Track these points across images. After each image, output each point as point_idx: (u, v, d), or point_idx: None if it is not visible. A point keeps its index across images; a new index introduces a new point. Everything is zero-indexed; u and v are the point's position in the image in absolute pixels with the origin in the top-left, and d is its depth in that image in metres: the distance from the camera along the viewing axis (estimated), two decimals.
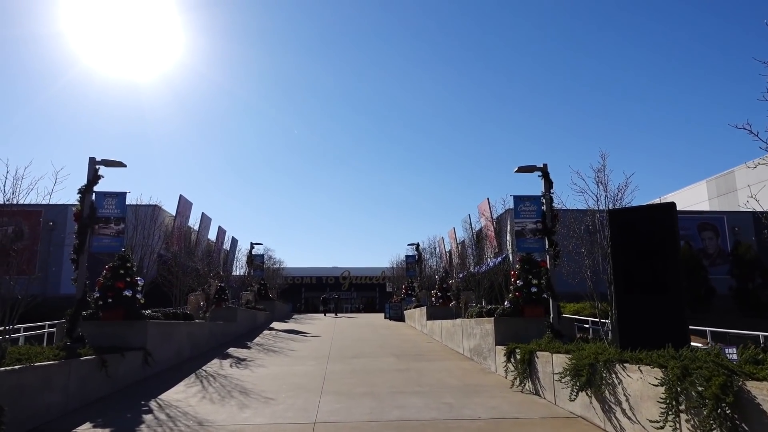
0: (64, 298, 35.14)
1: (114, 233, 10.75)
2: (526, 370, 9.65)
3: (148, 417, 7.73)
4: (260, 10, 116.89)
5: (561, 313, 11.35)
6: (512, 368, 10.40)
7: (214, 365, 13.08)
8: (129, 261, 11.90)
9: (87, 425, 7.28)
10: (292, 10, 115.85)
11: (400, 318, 31.59)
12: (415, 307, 27.64)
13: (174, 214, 38.76)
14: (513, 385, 9.85)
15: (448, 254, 42.12)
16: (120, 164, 11.06)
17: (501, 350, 11.36)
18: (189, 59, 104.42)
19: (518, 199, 11.56)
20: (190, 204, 41.62)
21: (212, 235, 42.81)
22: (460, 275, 21.64)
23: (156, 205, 39.21)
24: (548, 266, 11.26)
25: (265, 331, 23.30)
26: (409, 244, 32.76)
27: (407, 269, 34.12)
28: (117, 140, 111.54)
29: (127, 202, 15.67)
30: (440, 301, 21.88)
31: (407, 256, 34.43)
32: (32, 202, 10.99)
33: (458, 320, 16.28)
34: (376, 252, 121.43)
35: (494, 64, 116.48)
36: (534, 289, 12.10)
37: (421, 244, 31.89)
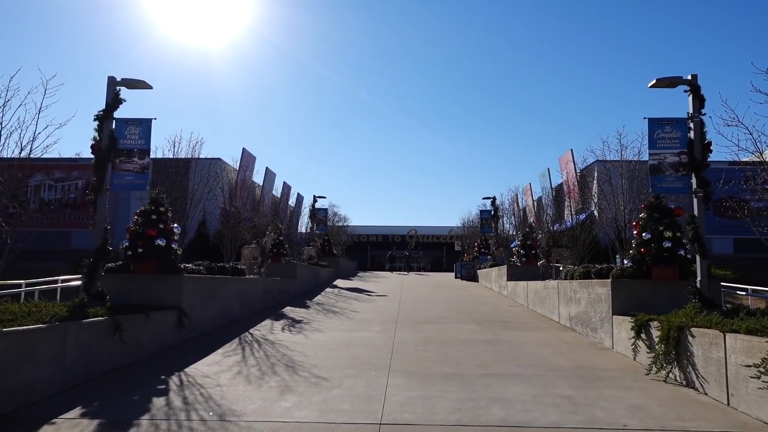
0: None
1: (138, 168, 8.80)
2: (671, 353, 6.94)
3: (159, 401, 5.76)
4: None
5: (711, 276, 8.41)
6: (644, 347, 7.72)
7: (263, 328, 11.20)
8: (163, 204, 10.03)
9: (76, 411, 5.39)
10: None
11: (473, 278, 29.08)
12: (491, 266, 24.99)
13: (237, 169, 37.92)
14: (650, 371, 7.17)
15: (521, 212, 38.79)
16: (144, 85, 9.01)
17: (622, 322, 8.66)
18: (256, 25, 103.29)
19: (655, 124, 8.52)
20: (254, 158, 40.43)
21: (277, 192, 41.76)
22: (564, 225, 18.66)
23: (219, 159, 38.56)
24: (696, 212, 8.27)
25: (328, 289, 21.54)
26: (484, 198, 29.92)
27: (481, 225, 31.35)
28: (188, 106, 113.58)
29: (185, 155, 14.04)
30: (523, 259, 19.10)
31: (482, 211, 31.60)
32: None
33: (552, 282, 13.55)
34: (443, 211, 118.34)
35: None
36: (667, 244, 9.18)
37: (502, 197, 28.83)
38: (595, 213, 22.28)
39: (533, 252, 18.80)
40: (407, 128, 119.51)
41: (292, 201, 45.36)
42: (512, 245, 35.36)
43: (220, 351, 8.60)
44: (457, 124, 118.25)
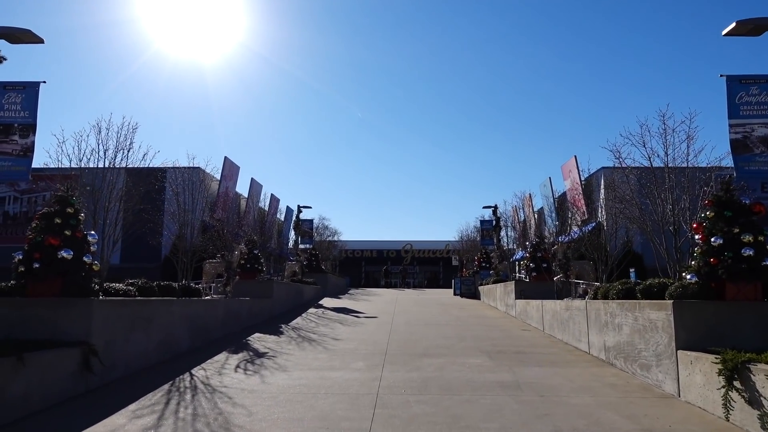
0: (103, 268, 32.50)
1: (19, 151, 6.36)
2: None
3: None
4: None
5: None
6: (742, 402, 5.27)
7: (213, 366, 8.67)
8: (71, 204, 7.58)
9: None
10: None
11: (474, 295, 26.58)
12: (495, 281, 22.51)
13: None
14: None
15: (521, 224, 36.37)
16: (32, 38, 6.57)
17: (695, 360, 6.21)
18: (250, 41, 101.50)
19: (736, 84, 6.23)
20: (237, 168, 37.85)
21: (265, 205, 39.27)
22: (567, 237, 16.22)
23: (198, 168, 36.13)
24: None
25: (311, 310, 18.99)
26: (484, 207, 27.50)
27: (482, 237, 28.92)
28: (183, 122, 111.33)
29: (113, 146, 11.53)
30: (533, 274, 16.66)
31: (482, 221, 29.20)
32: None
33: (577, 302, 11.10)
34: (439, 225, 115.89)
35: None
36: (747, 252, 6.78)
37: (499, 208, 26.39)
38: (603, 223, 19.82)
39: (545, 265, 16.36)
40: (402, 142, 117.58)
41: (280, 215, 42.99)
42: (514, 258, 32.97)
43: (131, 407, 6.06)
44: (452, 136, 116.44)
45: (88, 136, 9.88)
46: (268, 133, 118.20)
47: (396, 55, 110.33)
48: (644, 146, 8.71)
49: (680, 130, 8.61)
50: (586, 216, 27.52)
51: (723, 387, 5.45)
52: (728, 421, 5.41)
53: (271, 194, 38.86)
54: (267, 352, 9.95)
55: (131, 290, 8.52)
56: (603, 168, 37.04)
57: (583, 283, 14.22)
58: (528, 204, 33.71)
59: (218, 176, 34.96)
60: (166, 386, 7.09)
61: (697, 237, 7.45)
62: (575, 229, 24.35)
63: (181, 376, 7.73)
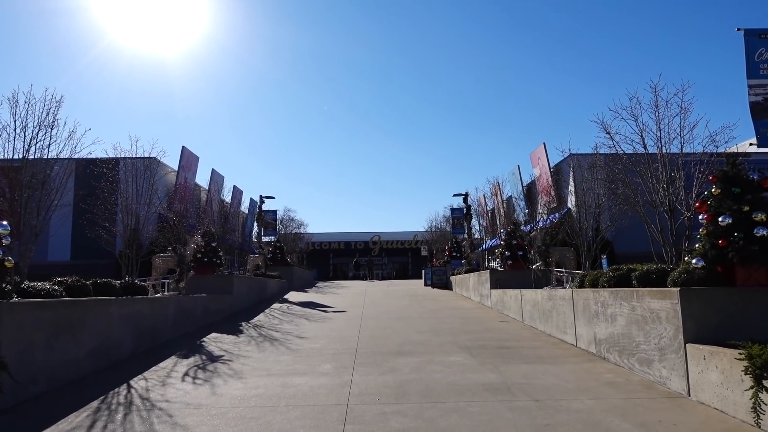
0: (52, 266, 30.29)
1: None
2: None
3: None
4: None
5: None
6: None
7: (157, 373, 7.53)
8: None
9: None
10: None
11: (446, 285, 25.83)
12: (467, 271, 21.78)
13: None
14: None
15: (489, 213, 35.84)
16: None
17: (710, 356, 5.46)
18: (214, 33, 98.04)
19: (755, 39, 5.60)
20: (196, 158, 36.17)
21: (228, 198, 37.58)
22: (545, 222, 15.46)
23: (154, 158, 34.31)
24: None
25: (275, 305, 17.83)
26: (455, 195, 26.75)
27: (453, 226, 28.16)
28: (144, 115, 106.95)
29: (34, 121, 10.06)
30: (509, 262, 15.90)
31: (452, 209, 28.47)
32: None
33: (561, 291, 10.34)
34: (407, 216, 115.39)
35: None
36: (761, 231, 6.05)
37: (471, 195, 25.61)
38: (573, 212, 19.28)
39: (520, 253, 15.63)
40: (368, 135, 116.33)
41: (244, 208, 41.29)
42: (483, 248, 32.37)
43: None
44: (418, 128, 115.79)
45: None
46: (232, 126, 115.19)
47: (361, 49, 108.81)
48: (635, 120, 7.94)
49: (673, 102, 7.89)
50: (555, 203, 27.19)
51: (751, 387, 4.67)
52: (759, 427, 4.64)
53: (234, 186, 37.23)
54: (222, 356, 8.84)
55: (57, 290, 7.27)
56: (571, 155, 37.10)
57: (564, 272, 13.55)
58: (497, 192, 33.20)
59: (177, 167, 33.25)
60: (95, 403, 5.94)
61: (701, 217, 6.69)
62: (545, 216, 23.90)
63: (116, 389, 6.58)
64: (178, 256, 12.37)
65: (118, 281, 9.68)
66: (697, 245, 6.71)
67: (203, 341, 10.37)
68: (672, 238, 7.77)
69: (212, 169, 35.24)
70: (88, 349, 7.56)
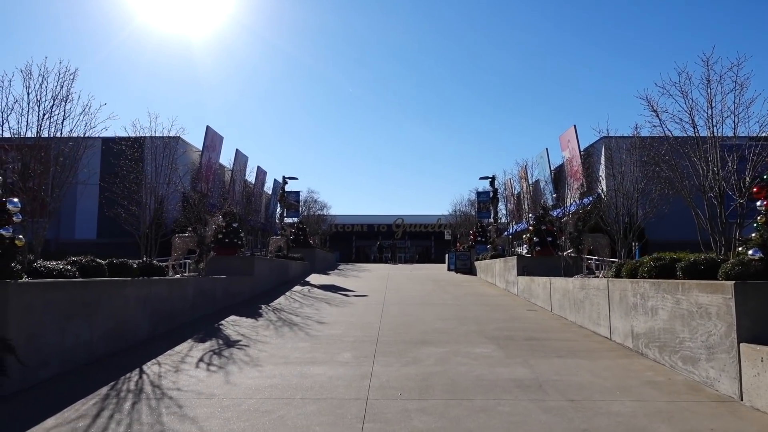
0: (78, 244, 30.74)
1: None
2: None
3: None
4: None
5: None
6: None
7: (171, 358, 7.29)
8: None
9: None
10: None
11: (469, 270, 25.32)
12: (492, 257, 21.23)
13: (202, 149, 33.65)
14: None
15: (516, 197, 35.01)
16: None
17: None
18: (240, 15, 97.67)
19: None
20: (221, 137, 36.08)
21: (252, 178, 37.51)
22: (574, 206, 14.79)
23: (179, 138, 34.28)
24: None
25: (296, 288, 17.62)
26: (481, 178, 26.04)
27: (479, 210, 27.49)
28: (171, 97, 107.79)
29: (51, 93, 9.81)
30: (537, 249, 15.34)
31: (478, 193, 27.79)
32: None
33: (595, 280, 9.78)
34: (430, 199, 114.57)
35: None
36: None
37: (498, 179, 24.89)
38: (603, 195, 18.51)
39: (550, 239, 15.03)
40: (394, 116, 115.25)
41: (268, 188, 41.21)
42: (508, 233, 31.65)
43: (48, 424, 4.67)
44: (446, 109, 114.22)
45: (11, 81, 8.05)
46: (257, 108, 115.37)
47: (391, 28, 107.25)
48: (684, 97, 7.26)
49: (727, 78, 7.19)
50: (586, 188, 26.35)
51: None
52: None
53: (258, 166, 37.17)
54: (239, 340, 8.57)
55: (70, 270, 7.04)
56: (603, 137, 35.74)
57: (595, 259, 12.92)
58: (524, 176, 32.32)
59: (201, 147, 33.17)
60: (104, 390, 5.69)
61: (759, 204, 6.09)
62: (577, 201, 23.09)
63: (128, 375, 6.34)
64: (198, 237, 12.15)
65: (137, 261, 9.48)
66: (753, 234, 6.11)
67: (221, 324, 10.15)
68: (721, 226, 7.14)
69: (236, 150, 35.11)
70: (102, 332, 7.36)
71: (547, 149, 34.84)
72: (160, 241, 11.42)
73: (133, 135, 14.37)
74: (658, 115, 7.50)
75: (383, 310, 12.25)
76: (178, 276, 11.54)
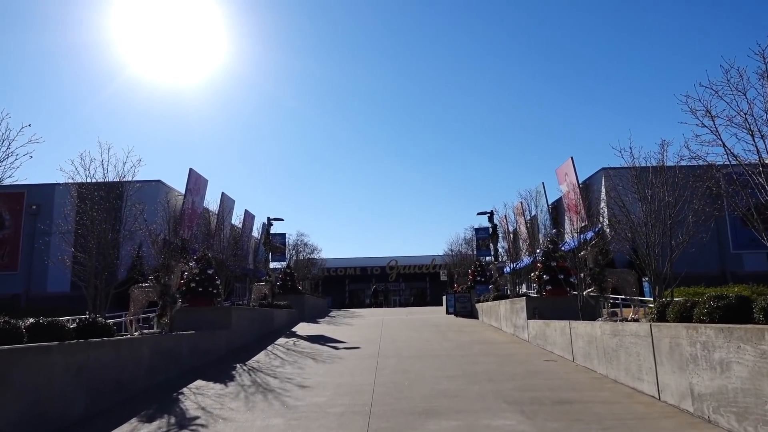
0: (50, 297, 28.55)
1: None
2: None
3: None
4: (301, 16, 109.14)
5: None
6: None
7: None
8: None
9: None
10: (322, 13, 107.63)
11: (470, 313, 23.54)
12: (496, 298, 19.55)
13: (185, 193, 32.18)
14: None
15: (512, 235, 33.57)
16: None
17: None
18: (232, 64, 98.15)
19: None
20: (205, 180, 34.56)
21: (239, 222, 35.88)
22: (590, 233, 13.23)
23: (159, 181, 32.71)
24: None
25: (280, 340, 15.79)
26: (479, 213, 24.61)
27: (478, 247, 25.93)
28: (161, 144, 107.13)
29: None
30: (548, 288, 13.72)
31: (476, 230, 26.31)
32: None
33: (632, 325, 8.13)
34: (425, 240, 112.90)
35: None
36: None
37: (498, 213, 23.47)
38: (606, 229, 17.02)
39: (562, 277, 13.46)
40: (380, 161, 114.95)
41: (257, 233, 39.51)
42: (506, 271, 30.02)
43: None
44: (431, 154, 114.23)
45: None
46: (245, 153, 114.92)
47: (371, 78, 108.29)
48: (744, 95, 5.89)
49: None
50: (585, 222, 24.94)
51: None
52: None
53: (246, 210, 35.56)
54: (197, 417, 6.81)
55: None
56: (603, 169, 34.71)
57: (620, 299, 11.32)
58: (519, 212, 30.98)
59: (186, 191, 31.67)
60: None
61: None
62: (572, 237, 21.69)
63: None
64: (161, 286, 10.48)
65: (76, 319, 7.79)
66: None
67: (181, 393, 8.36)
68: None
69: (222, 193, 33.68)
70: (14, 416, 5.61)
71: (543, 183, 33.73)
72: (113, 292, 9.73)
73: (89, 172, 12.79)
74: (712, 118, 6.07)
75: (378, 366, 10.51)
76: (137, 333, 9.80)
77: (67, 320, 7.73)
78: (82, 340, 7.22)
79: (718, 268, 29.43)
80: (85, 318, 7.83)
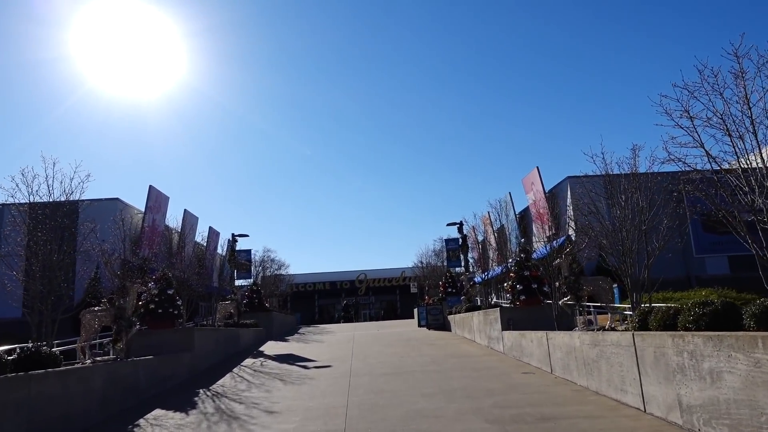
0: (1, 324, 26.92)
1: None
2: None
3: None
4: (260, 35, 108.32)
5: None
6: None
7: None
8: None
9: None
10: (293, 32, 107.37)
11: (443, 326, 23.19)
12: (468, 309, 19.27)
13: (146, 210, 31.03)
14: None
15: (481, 245, 33.62)
16: None
17: None
18: (192, 80, 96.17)
19: None
20: (166, 198, 33.37)
21: (203, 239, 34.74)
22: (558, 243, 13.06)
23: (117, 199, 31.46)
24: None
25: (247, 360, 15.07)
26: (448, 224, 24.46)
27: (448, 258, 25.69)
28: (121, 162, 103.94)
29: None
30: (521, 297, 13.49)
31: (447, 240, 26.14)
32: None
33: (614, 335, 7.88)
34: (393, 252, 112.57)
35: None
36: None
37: (466, 223, 23.31)
38: (573, 237, 17.02)
39: (535, 286, 13.25)
40: (346, 176, 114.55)
41: (223, 250, 38.39)
42: (476, 281, 29.95)
43: None
44: (400, 167, 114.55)
45: None
46: (210, 170, 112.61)
47: (338, 93, 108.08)
48: (720, 94, 5.75)
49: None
50: (554, 230, 24.98)
51: None
52: None
53: (210, 227, 34.43)
54: None
55: None
56: (568, 177, 35.13)
57: (595, 307, 11.16)
58: (486, 223, 31.00)
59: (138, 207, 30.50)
60: None
61: None
62: (541, 245, 21.70)
63: None
64: (115, 309, 9.75)
65: (15, 349, 7.06)
66: None
67: (137, 426, 7.68)
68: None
69: (184, 210, 32.64)
70: None
71: (509, 193, 33.95)
72: (62, 318, 8.97)
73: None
74: (690, 117, 5.90)
75: (350, 386, 10.00)
76: (89, 362, 9.04)
77: (6, 351, 7.01)
78: (21, 373, 6.51)
79: (683, 273, 29.98)
80: (27, 347, 7.11)
